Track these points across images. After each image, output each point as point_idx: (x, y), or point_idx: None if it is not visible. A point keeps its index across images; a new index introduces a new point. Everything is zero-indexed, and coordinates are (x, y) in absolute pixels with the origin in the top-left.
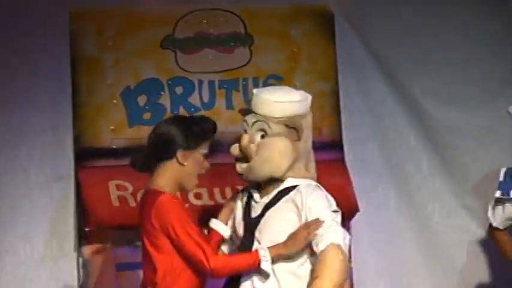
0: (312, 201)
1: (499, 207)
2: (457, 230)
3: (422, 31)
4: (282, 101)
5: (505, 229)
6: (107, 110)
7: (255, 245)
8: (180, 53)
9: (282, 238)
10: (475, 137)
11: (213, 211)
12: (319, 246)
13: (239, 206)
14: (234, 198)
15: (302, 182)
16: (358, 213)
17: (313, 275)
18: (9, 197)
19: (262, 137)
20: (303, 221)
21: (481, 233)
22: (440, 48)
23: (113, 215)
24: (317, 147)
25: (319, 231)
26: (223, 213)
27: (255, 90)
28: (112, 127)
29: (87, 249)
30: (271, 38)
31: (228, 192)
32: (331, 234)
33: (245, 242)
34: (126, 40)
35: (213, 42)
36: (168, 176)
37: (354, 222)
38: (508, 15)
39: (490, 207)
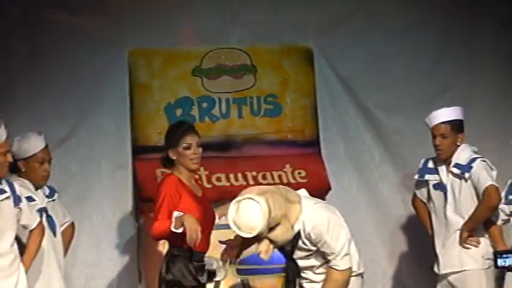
0: (314, 230)
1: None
2: (399, 202)
3: (376, 60)
4: (260, 227)
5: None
6: (154, 119)
7: (300, 262)
8: (205, 78)
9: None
10: (412, 136)
11: (228, 190)
12: (332, 263)
13: None
14: None
15: (299, 226)
16: (330, 191)
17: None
18: (86, 181)
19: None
20: (317, 241)
21: None
22: (389, 71)
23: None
24: (301, 144)
25: (329, 247)
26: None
27: (239, 232)
28: (158, 131)
29: (141, 217)
30: (269, 68)
31: (240, 177)
32: (338, 252)
33: (288, 268)
34: (167, 70)
35: (228, 71)
36: (175, 165)
37: (328, 197)
38: (444, 44)
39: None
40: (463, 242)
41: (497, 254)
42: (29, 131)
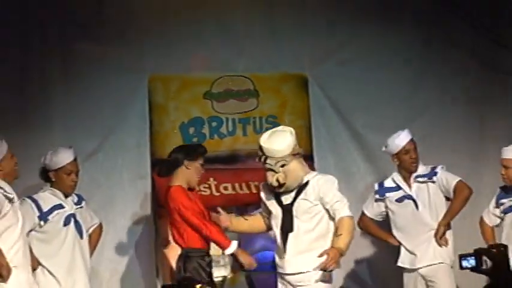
0: (322, 184)
1: (375, 203)
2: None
3: (362, 86)
4: (285, 145)
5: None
6: (170, 136)
7: (294, 220)
8: (214, 101)
9: (310, 213)
10: None
11: (234, 198)
12: (338, 214)
13: (269, 197)
14: (262, 192)
15: (310, 177)
16: None
17: (338, 233)
18: (111, 189)
19: (282, 166)
20: (321, 196)
21: None
22: (373, 96)
23: None
24: None
25: (336, 206)
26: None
27: (265, 144)
28: (174, 147)
29: (158, 221)
30: (269, 93)
31: (244, 186)
32: (344, 208)
33: (285, 219)
34: (181, 94)
35: (234, 95)
36: (180, 177)
37: None
38: (420, 74)
39: (368, 202)
40: (440, 236)
41: (461, 257)
42: (60, 146)
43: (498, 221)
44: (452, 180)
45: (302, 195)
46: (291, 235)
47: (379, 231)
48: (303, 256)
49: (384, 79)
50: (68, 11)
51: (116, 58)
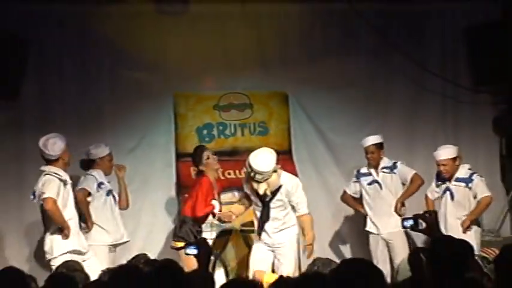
0: (290, 188)
1: (353, 184)
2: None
3: (330, 100)
4: (269, 166)
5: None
6: (189, 137)
7: (271, 212)
8: (221, 111)
9: (282, 207)
10: (352, 148)
11: (234, 181)
12: (298, 212)
13: (252, 193)
14: (245, 187)
15: (282, 181)
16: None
17: (304, 232)
18: (146, 175)
19: (266, 179)
20: (290, 196)
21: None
22: (338, 107)
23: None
24: (281, 153)
25: (298, 206)
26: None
27: (255, 166)
28: (191, 144)
29: (181, 198)
30: (261, 105)
31: (242, 173)
32: (303, 207)
33: (264, 211)
34: (197, 106)
35: (235, 106)
36: (205, 170)
37: None
38: (372, 91)
39: (350, 183)
40: (398, 209)
41: (403, 220)
42: (106, 145)
43: (437, 195)
44: (409, 172)
45: (278, 196)
46: (268, 223)
47: (354, 203)
48: (276, 233)
49: (343, 95)
50: (116, 49)
51: (150, 81)
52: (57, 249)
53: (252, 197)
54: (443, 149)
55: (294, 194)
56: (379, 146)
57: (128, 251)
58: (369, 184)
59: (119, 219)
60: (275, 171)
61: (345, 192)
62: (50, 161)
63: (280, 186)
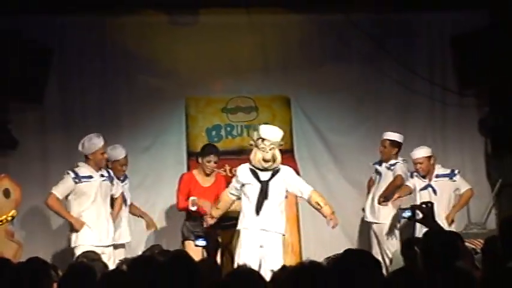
0: (287, 172)
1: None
2: (343, 186)
3: (327, 103)
4: (279, 134)
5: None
6: (200, 137)
7: (269, 191)
8: (229, 113)
9: (279, 189)
10: (349, 147)
11: (229, 178)
12: (306, 191)
13: (247, 176)
14: (240, 173)
15: (280, 166)
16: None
17: (321, 206)
18: (160, 171)
19: (271, 149)
20: (287, 180)
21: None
22: (336, 109)
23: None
24: (284, 151)
25: (301, 186)
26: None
27: (266, 128)
28: (201, 143)
29: None
30: (265, 108)
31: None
32: (306, 185)
33: (262, 190)
34: (207, 108)
35: (242, 109)
36: (198, 168)
37: None
38: (364, 95)
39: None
40: (379, 203)
41: (401, 211)
42: (123, 146)
43: (412, 187)
44: (395, 173)
45: (276, 177)
46: (265, 201)
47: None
48: (272, 216)
49: (340, 98)
50: (133, 56)
51: (163, 85)
52: (81, 239)
53: (248, 180)
54: (419, 149)
55: (291, 178)
56: (393, 143)
57: (143, 243)
58: (377, 173)
59: (119, 221)
60: (280, 145)
61: (370, 178)
62: (85, 158)
63: (278, 170)
